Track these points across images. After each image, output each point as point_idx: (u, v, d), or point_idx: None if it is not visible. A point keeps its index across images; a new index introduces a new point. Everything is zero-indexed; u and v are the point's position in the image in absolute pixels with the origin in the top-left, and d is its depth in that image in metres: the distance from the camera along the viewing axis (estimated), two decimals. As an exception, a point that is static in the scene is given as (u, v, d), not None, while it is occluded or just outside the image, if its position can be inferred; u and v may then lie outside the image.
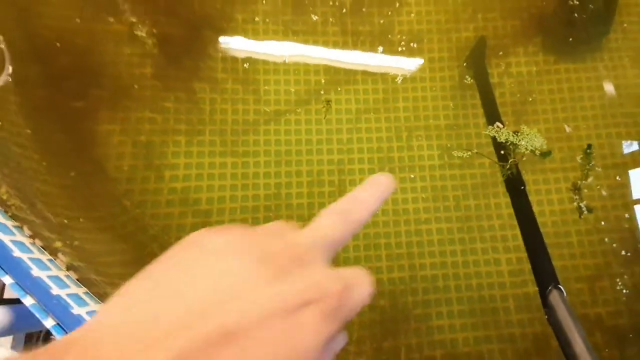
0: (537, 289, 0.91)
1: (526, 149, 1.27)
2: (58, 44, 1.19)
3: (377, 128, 1.29)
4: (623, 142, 1.33)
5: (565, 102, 1.35)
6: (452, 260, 1.21)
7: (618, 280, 1.22)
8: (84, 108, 1.18)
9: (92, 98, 1.19)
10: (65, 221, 0.97)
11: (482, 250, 1.23)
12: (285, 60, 1.30)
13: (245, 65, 1.29)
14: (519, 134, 1.27)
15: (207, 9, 1.31)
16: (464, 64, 1.34)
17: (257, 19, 1.32)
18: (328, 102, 1.28)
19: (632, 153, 1.32)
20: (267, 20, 1.32)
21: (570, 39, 1.38)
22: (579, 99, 1.36)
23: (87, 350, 0.17)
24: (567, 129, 1.32)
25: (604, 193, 1.27)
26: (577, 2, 1.37)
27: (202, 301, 0.19)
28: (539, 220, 1.04)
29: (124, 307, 0.19)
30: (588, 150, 1.30)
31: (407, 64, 1.34)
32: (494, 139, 1.25)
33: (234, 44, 1.30)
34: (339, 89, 1.30)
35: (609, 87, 1.37)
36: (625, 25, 1.43)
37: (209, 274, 0.20)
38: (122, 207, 1.13)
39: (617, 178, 1.28)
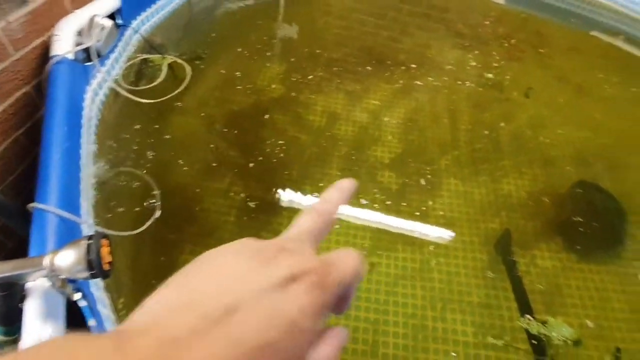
0: None
1: (558, 339, 1.06)
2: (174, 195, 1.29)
3: (413, 295, 1.16)
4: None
5: (594, 300, 1.18)
6: None
7: None
8: (176, 239, 1.18)
9: (185, 232, 1.21)
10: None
11: None
12: (339, 225, 1.30)
13: (305, 223, 1.29)
14: (546, 324, 1.09)
15: (285, 181, 1.40)
16: (493, 249, 1.26)
17: (321, 184, 1.38)
18: (372, 264, 1.21)
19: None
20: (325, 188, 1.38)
21: (586, 244, 1.29)
22: (607, 299, 1.19)
23: (151, 329, 0.18)
24: (590, 324, 1.12)
25: None
26: (581, 219, 1.34)
27: (211, 289, 0.21)
28: None
29: (165, 296, 0.21)
30: (617, 354, 1.06)
31: (442, 241, 1.28)
32: (526, 330, 1.07)
33: (301, 207, 1.34)
34: (380, 253, 1.24)
35: (635, 293, 1.20)
36: (630, 241, 1.34)
37: (217, 271, 0.22)
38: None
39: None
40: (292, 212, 1.33)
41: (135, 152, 1.38)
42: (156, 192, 1.22)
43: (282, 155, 1.48)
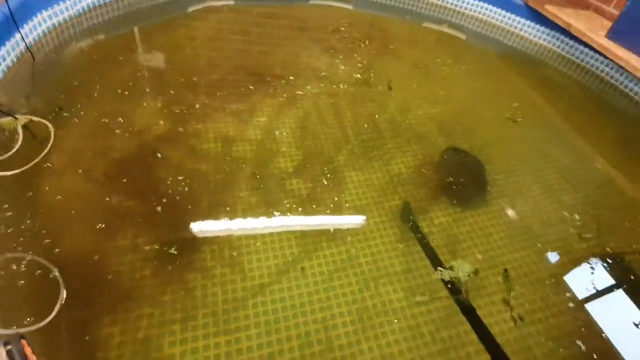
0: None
1: (464, 277, 1.31)
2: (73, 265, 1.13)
3: (348, 283, 1.27)
4: (530, 262, 1.41)
5: (480, 237, 1.47)
6: (448, 396, 1.04)
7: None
8: (91, 314, 1.04)
9: (97, 305, 1.07)
10: None
11: (470, 380, 1.09)
12: (263, 241, 1.32)
13: (231, 252, 1.28)
14: (453, 268, 1.32)
15: (196, 216, 1.36)
16: (401, 222, 1.45)
17: (239, 211, 1.38)
18: (302, 268, 1.27)
19: (539, 269, 1.40)
20: (247, 214, 1.39)
21: (463, 197, 1.60)
22: (489, 234, 1.49)
23: None
24: (479, 257, 1.40)
25: (527, 305, 1.28)
26: (445, 178, 1.65)
27: None
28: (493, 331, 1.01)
29: None
30: (505, 274, 1.35)
31: (359, 228, 1.42)
32: (442, 279, 1.28)
33: (220, 235, 1.32)
34: (309, 255, 1.31)
35: (505, 223, 1.53)
36: (497, 180, 1.70)
37: None
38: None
39: (534, 290, 1.31)
40: (213, 243, 1.30)
41: (16, 234, 1.16)
42: (55, 272, 1.06)
43: (186, 190, 1.43)
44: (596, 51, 2.36)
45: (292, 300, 1.20)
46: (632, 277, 1.43)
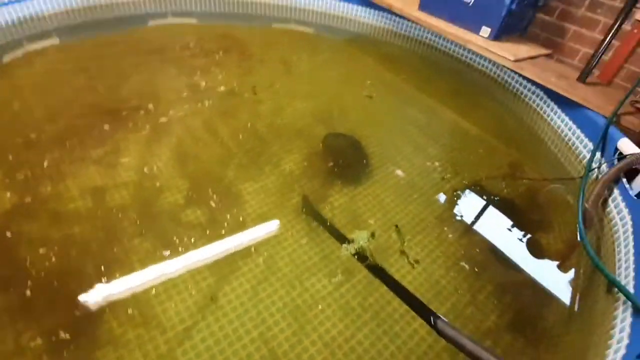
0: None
1: (364, 242, 1.46)
2: None
3: (274, 290, 1.28)
4: (416, 212, 1.64)
5: (375, 205, 1.63)
6: (389, 352, 1.16)
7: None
8: None
9: None
10: None
11: (402, 330, 1.22)
12: (173, 284, 1.24)
13: (139, 309, 1.16)
14: (353, 241, 1.45)
15: (84, 286, 1.19)
16: (305, 216, 1.52)
17: (134, 263, 1.26)
18: (224, 294, 1.23)
19: (424, 215, 1.63)
20: (145, 262, 1.27)
21: (352, 175, 1.75)
22: (381, 200, 1.67)
23: None
24: (371, 222, 1.57)
25: (419, 249, 1.50)
26: (332, 163, 1.80)
27: None
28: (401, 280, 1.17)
29: None
30: (397, 228, 1.55)
31: (268, 235, 1.44)
32: (353, 254, 1.40)
33: (123, 296, 1.18)
34: (228, 279, 1.28)
35: (391, 186, 1.73)
36: (375, 151, 1.90)
37: None
38: None
39: (423, 235, 1.54)
40: (116, 307, 1.16)
41: None
42: None
43: (62, 261, 1.23)
44: (417, 23, 2.81)
45: (223, 330, 1.16)
46: (490, 197, 1.78)
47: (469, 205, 1.72)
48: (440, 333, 1.21)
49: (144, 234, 1.37)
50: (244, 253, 1.37)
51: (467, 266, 1.45)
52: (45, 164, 1.54)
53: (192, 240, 1.38)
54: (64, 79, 2.05)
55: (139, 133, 1.78)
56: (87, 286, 1.19)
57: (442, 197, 1.74)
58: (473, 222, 1.64)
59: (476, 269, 1.44)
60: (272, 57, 2.62)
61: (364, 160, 1.87)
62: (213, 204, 1.52)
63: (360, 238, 1.46)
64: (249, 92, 2.20)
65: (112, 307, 1.16)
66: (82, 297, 1.16)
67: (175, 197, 1.53)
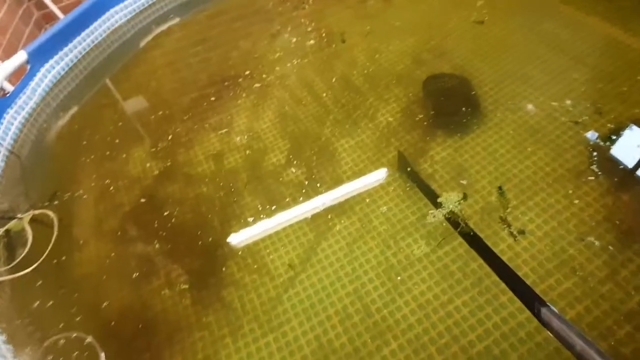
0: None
1: (455, 206, 1.29)
2: (120, 318, 1.26)
3: (369, 249, 1.30)
4: (525, 181, 1.35)
5: (487, 158, 1.41)
6: (492, 322, 1.06)
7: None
8: (151, 357, 1.17)
9: (154, 347, 1.20)
10: None
11: (510, 301, 1.09)
12: (278, 238, 1.38)
13: (253, 258, 1.35)
14: (442, 205, 1.30)
15: (213, 237, 1.43)
16: (401, 173, 1.44)
17: (248, 219, 1.44)
18: (322, 250, 1.31)
19: (536, 186, 1.33)
20: (256, 218, 1.44)
21: (458, 122, 1.53)
22: (495, 150, 1.43)
23: None
24: (463, 182, 1.36)
25: (525, 217, 1.23)
26: (434, 111, 1.58)
27: None
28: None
29: None
30: (500, 190, 1.31)
31: (364, 193, 1.43)
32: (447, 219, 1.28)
33: (240, 245, 1.39)
34: (325, 235, 1.35)
35: (508, 135, 1.46)
36: (488, 91, 1.61)
37: None
38: None
39: (530, 204, 1.26)
40: (235, 256, 1.37)
41: (62, 314, 1.30)
42: (89, 339, 1.18)
43: (196, 216, 1.50)
44: None
45: (322, 282, 1.26)
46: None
47: (613, 158, 1.32)
48: (545, 325, 1.02)
49: (254, 193, 1.54)
50: (340, 211, 1.41)
51: (597, 242, 1.15)
52: (178, 134, 1.84)
53: (293, 198, 1.48)
54: (185, 55, 2.32)
55: (247, 99, 1.93)
56: (214, 236, 1.44)
57: (575, 148, 1.38)
58: (617, 182, 1.27)
59: (611, 248, 1.14)
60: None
61: (475, 103, 1.60)
62: (310, 164, 1.58)
63: (450, 201, 1.31)
64: (337, 41, 2.08)
65: (233, 255, 1.38)
66: (213, 246, 1.41)
67: (277, 157, 1.64)
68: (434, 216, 1.30)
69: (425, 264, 1.22)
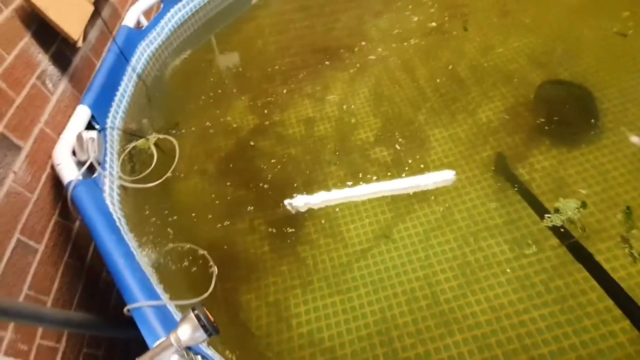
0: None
1: (573, 213, 1.22)
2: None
3: (446, 240, 1.30)
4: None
5: (594, 176, 1.32)
6: (568, 343, 1.03)
7: None
8: (232, 288, 1.30)
9: (235, 278, 1.33)
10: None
11: (593, 327, 1.04)
12: (357, 210, 1.42)
13: (330, 223, 1.41)
14: (559, 211, 1.23)
15: (296, 195, 1.52)
16: (495, 174, 1.39)
17: (330, 186, 1.50)
18: (398, 231, 1.33)
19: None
20: (338, 187, 1.50)
21: (569, 134, 1.43)
22: (606, 171, 1.32)
23: None
24: (582, 191, 1.26)
25: None
26: (543, 117, 1.48)
27: None
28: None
29: None
30: (627, 211, 1.20)
31: (450, 186, 1.41)
32: (551, 227, 1.22)
33: (319, 210, 1.46)
34: (403, 218, 1.37)
35: (626, 156, 1.34)
36: (610, 108, 1.47)
37: None
38: (267, 359, 1.13)
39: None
40: (314, 217, 1.44)
41: (166, 230, 1.48)
42: (204, 252, 1.33)
43: (282, 174, 1.60)
44: None
45: (393, 261, 1.29)
46: None
47: None
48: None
49: (339, 163, 1.59)
50: (422, 197, 1.41)
51: None
52: (276, 94, 1.93)
53: (376, 176, 1.51)
54: (292, 18, 2.38)
55: (345, 72, 1.95)
56: (296, 194, 1.52)
57: None
58: None
59: None
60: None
61: (592, 118, 1.47)
62: (398, 147, 1.58)
63: (568, 207, 1.23)
64: (458, 28, 2.00)
65: (312, 217, 1.46)
66: (295, 204, 1.50)
67: (367, 134, 1.67)
68: (551, 220, 1.24)
69: (505, 269, 1.19)
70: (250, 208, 1.51)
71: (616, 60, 1.65)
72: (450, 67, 1.82)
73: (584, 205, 1.24)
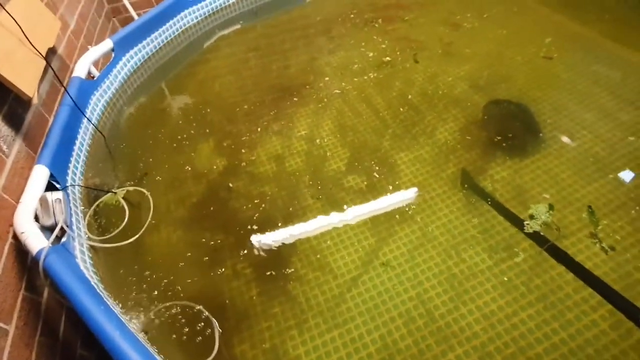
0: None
1: (547, 217, 1.34)
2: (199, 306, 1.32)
3: (430, 257, 1.35)
4: (606, 191, 1.40)
5: (548, 181, 1.47)
6: (558, 338, 1.10)
7: None
8: (222, 341, 1.23)
9: (224, 330, 1.25)
10: None
11: (576, 319, 1.13)
12: (340, 240, 1.44)
13: (316, 256, 1.41)
14: (534, 216, 1.35)
15: (277, 233, 1.50)
16: (462, 188, 1.50)
17: (310, 219, 1.50)
18: (383, 254, 1.37)
19: (617, 195, 1.38)
20: (316, 218, 1.51)
21: (518, 146, 1.60)
22: (556, 175, 1.49)
23: None
24: (546, 196, 1.40)
25: (617, 236, 1.27)
26: (493, 133, 1.66)
27: None
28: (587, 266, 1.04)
29: None
30: (590, 210, 1.36)
31: (424, 204, 1.49)
32: (527, 234, 1.33)
33: (302, 245, 1.45)
34: (387, 241, 1.41)
35: (569, 160, 1.52)
36: (547, 119, 1.68)
37: None
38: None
39: (619, 223, 1.31)
40: (299, 253, 1.43)
41: (146, 288, 1.37)
42: (199, 307, 1.25)
43: (260, 213, 1.58)
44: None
45: (384, 285, 1.31)
46: None
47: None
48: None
49: (315, 195, 1.61)
50: (401, 219, 1.47)
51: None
52: (242, 135, 1.94)
53: (353, 204, 1.55)
54: (246, 61, 2.45)
55: (307, 107, 2.03)
56: (279, 234, 1.51)
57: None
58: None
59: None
60: (434, 19, 2.48)
61: (534, 130, 1.67)
62: (371, 172, 1.65)
63: (540, 212, 1.36)
64: (410, 60, 2.18)
65: (296, 252, 1.44)
66: (274, 240, 1.48)
67: (337, 164, 1.72)
68: (530, 227, 1.35)
69: (489, 276, 1.27)
70: (230, 253, 1.47)
71: (545, 79, 1.91)
72: (409, 96, 1.97)
73: (551, 207, 1.37)
